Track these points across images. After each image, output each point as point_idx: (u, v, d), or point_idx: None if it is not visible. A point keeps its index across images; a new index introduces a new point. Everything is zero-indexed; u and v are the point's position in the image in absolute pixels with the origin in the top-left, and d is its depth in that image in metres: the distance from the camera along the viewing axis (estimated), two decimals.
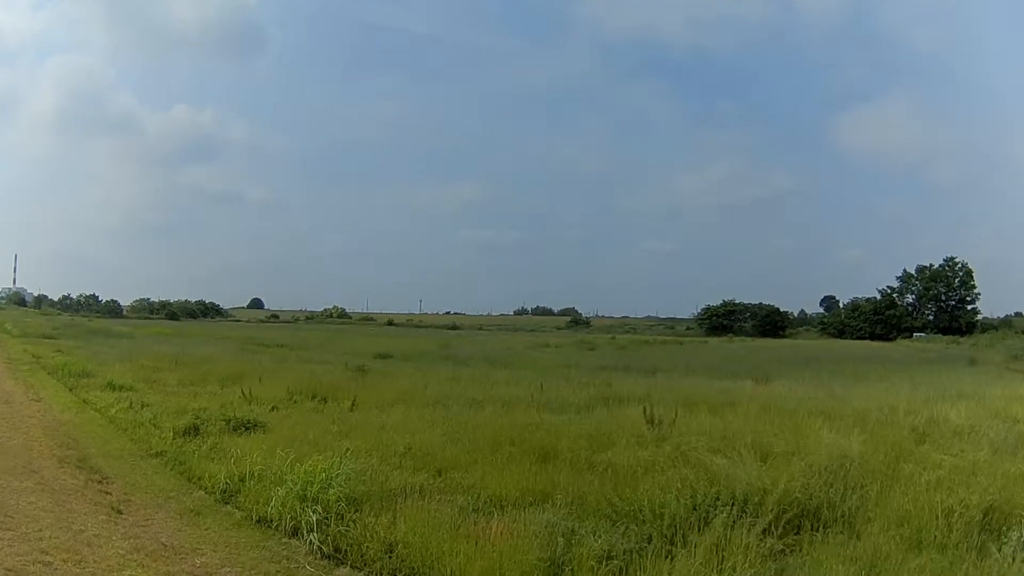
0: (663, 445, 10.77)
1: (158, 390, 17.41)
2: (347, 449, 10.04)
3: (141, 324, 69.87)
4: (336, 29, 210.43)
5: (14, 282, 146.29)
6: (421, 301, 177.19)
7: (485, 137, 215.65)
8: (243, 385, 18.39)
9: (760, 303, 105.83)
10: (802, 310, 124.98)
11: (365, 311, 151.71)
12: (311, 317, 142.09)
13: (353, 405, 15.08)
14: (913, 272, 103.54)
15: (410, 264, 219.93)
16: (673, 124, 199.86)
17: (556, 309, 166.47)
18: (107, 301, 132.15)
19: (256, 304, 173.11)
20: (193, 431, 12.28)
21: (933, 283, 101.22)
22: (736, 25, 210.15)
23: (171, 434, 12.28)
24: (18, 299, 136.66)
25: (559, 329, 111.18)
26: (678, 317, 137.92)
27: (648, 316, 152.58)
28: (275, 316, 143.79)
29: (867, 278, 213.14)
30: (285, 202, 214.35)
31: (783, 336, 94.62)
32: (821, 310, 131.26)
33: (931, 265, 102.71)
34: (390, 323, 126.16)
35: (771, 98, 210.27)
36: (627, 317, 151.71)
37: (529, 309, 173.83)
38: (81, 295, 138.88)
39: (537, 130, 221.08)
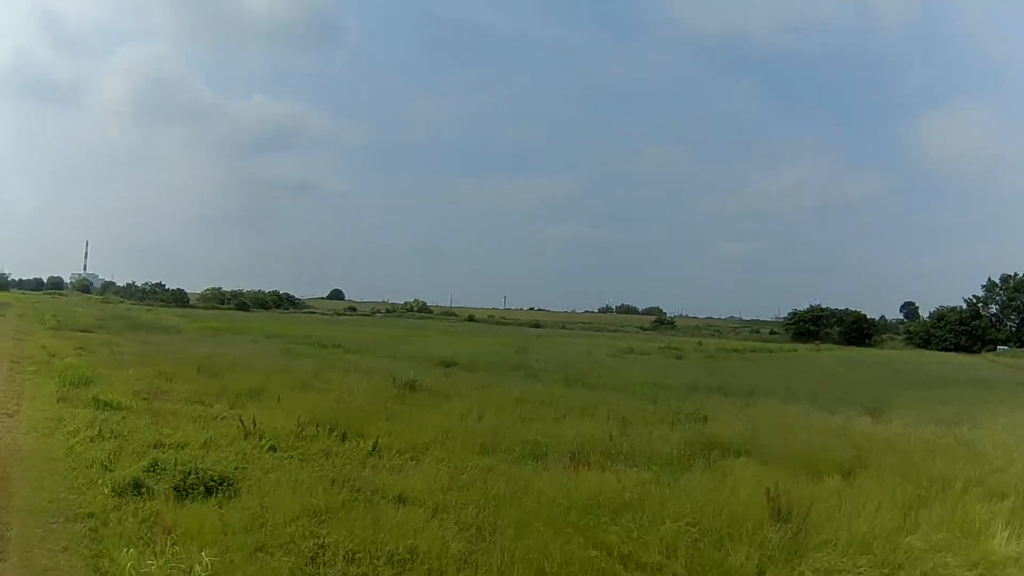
0: (799, 567, 7.25)
1: (150, 410, 14.71)
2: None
3: (198, 316, 68.66)
4: (414, 22, 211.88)
5: (84, 268, 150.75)
6: (505, 297, 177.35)
7: (569, 133, 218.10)
8: (259, 403, 15.80)
9: (846, 309, 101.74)
10: (882, 316, 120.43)
11: (448, 305, 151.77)
12: (391, 310, 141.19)
13: (375, 448, 11.94)
14: (998, 281, 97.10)
15: (494, 259, 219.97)
16: (754, 125, 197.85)
17: (641, 308, 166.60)
18: (173, 290, 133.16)
19: (336, 295, 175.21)
20: (134, 489, 9.30)
21: (1017, 293, 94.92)
22: (817, 27, 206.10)
23: (109, 488, 9.38)
24: (83, 286, 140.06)
25: (643, 329, 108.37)
26: (762, 320, 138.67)
27: (731, 317, 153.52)
28: (352, 308, 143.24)
29: (941, 285, 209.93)
30: (365, 193, 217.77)
31: (869, 344, 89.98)
32: (900, 316, 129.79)
33: (1015, 275, 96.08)
34: (471, 319, 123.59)
35: (848, 101, 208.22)
36: (711, 318, 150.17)
37: (614, 307, 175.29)
38: (147, 283, 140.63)
39: (620, 126, 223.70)
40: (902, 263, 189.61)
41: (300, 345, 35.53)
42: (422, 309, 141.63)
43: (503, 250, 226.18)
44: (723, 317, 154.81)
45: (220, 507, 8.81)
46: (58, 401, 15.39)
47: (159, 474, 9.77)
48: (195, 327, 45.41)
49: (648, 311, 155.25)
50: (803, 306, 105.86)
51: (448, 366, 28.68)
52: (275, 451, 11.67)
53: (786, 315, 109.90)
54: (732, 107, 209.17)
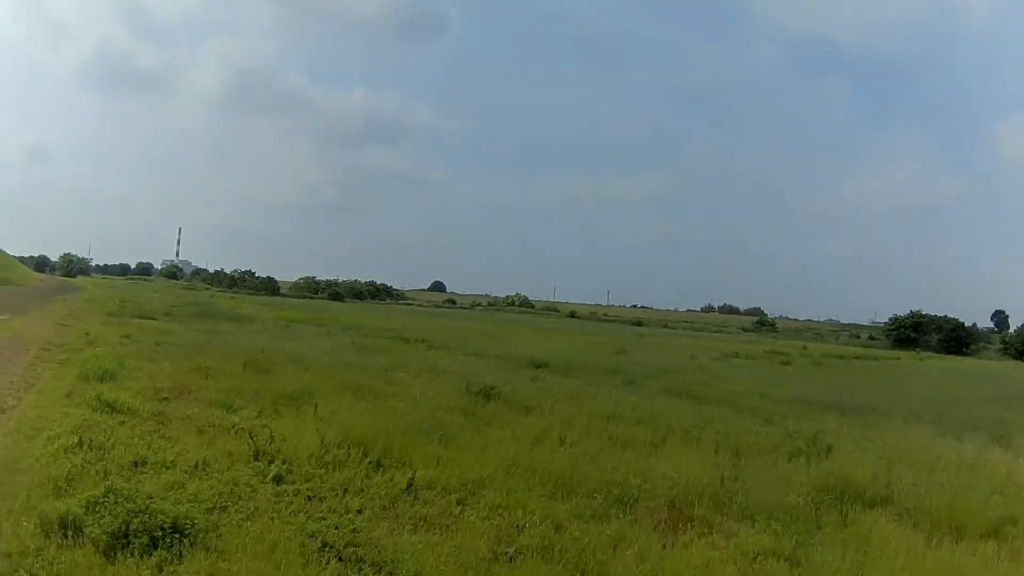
0: None
1: (159, 415, 12.31)
2: None
3: (281, 305, 67.82)
4: (516, 15, 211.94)
5: (177, 254, 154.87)
6: (608, 292, 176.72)
7: (666, 130, 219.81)
8: (295, 411, 13.32)
9: (945, 316, 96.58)
10: (974, 323, 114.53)
11: (551, 300, 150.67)
12: (492, 304, 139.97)
13: (410, 486, 9.07)
14: None
15: (598, 253, 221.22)
16: (846, 125, 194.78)
17: (743, 308, 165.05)
18: (263, 278, 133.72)
19: (437, 287, 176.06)
20: (64, 529, 6.88)
21: None
22: (908, 27, 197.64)
23: (37, 523, 7.04)
24: (170, 272, 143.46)
25: (744, 330, 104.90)
26: (859, 323, 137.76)
27: (829, 319, 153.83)
28: (452, 301, 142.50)
29: None
30: (468, 185, 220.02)
31: (967, 353, 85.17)
32: (991, 324, 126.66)
33: None
34: (572, 315, 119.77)
35: (940, 102, 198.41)
36: (811, 320, 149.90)
37: (715, 306, 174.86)
38: (235, 270, 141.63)
39: (715, 124, 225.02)
40: (990, 269, 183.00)
41: (379, 339, 33.11)
42: (523, 303, 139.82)
43: (606, 245, 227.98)
44: (821, 319, 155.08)
45: (158, 570, 6.24)
46: (65, 397, 13.23)
47: (102, 511, 7.24)
48: (271, 316, 43.95)
49: (749, 312, 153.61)
50: (895, 310, 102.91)
51: (538, 368, 25.68)
52: (280, 482, 8.99)
53: (887, 320, 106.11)
54: (822, 108, 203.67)
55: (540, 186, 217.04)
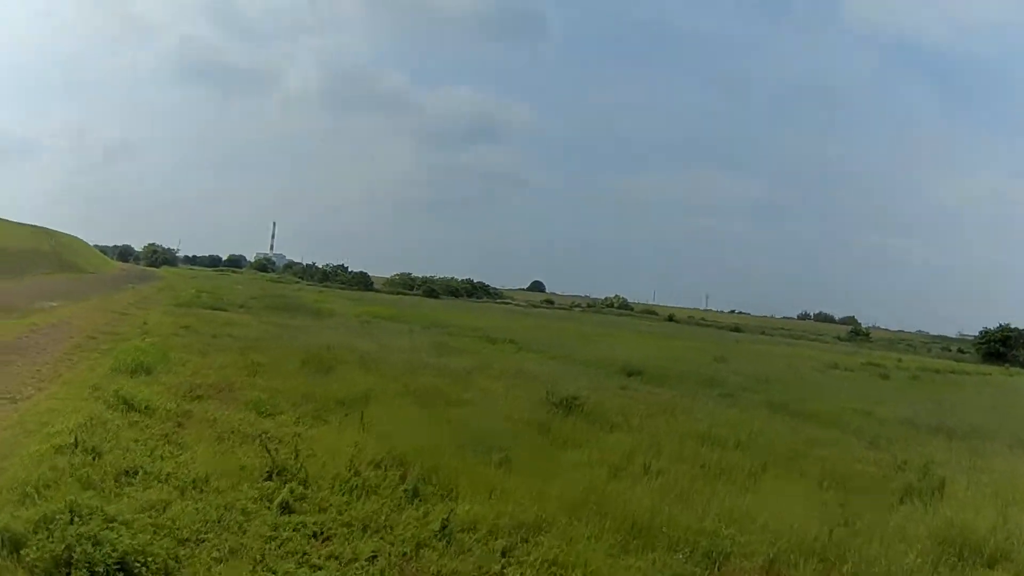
0: None
1: (182, 416, 10.93)
2: None
3: (368, 300, 67.06)
4: (610, 17, 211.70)
5: (271, 248, 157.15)
6: (707, 296, 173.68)
7: (761, 132, 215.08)
8: (343, 418, 11.77)
9: None
10: None
11: (650, 303, 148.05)
12: (591, 305, 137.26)
13: (445, 525, 7.19)
14: None
15: (695, 258, 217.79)
16: (937, 130, 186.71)
17: (837, 316, 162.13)
18: (355, 273, 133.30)
19: (536, 287, 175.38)
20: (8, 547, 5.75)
21: None
22: (998, 30, 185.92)
23: None
24: (260, 265, 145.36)
25: (839, 340, 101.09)
26: (947, 335, 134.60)
27: (919, 331, 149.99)
28: (549, 301, 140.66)
29: None
30: (568, 185, 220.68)
31: None
32: None
33: None
34: (671, 318, 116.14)
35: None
36: (901, 331, 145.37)
37: (811, 314, 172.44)
38: (327, 264, 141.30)
39: (806, 126, 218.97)
40: None
41: (464, 338, 31.50)
42: (622, 306, 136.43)
43: (703, 249, 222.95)
44: (910, 330, 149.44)
45: None
46: (91, 389, 11.99)
47: (50, 532, 5.81)
48: (355, 312, 42.69)
49: (844, 320, 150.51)
50: (982, 321, 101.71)
51: (630, 375, 23.67)
52: (286, 511, 7.26)
53: (978, 332, 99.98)
54: (914, 111, 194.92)
55: (637, 187, 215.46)
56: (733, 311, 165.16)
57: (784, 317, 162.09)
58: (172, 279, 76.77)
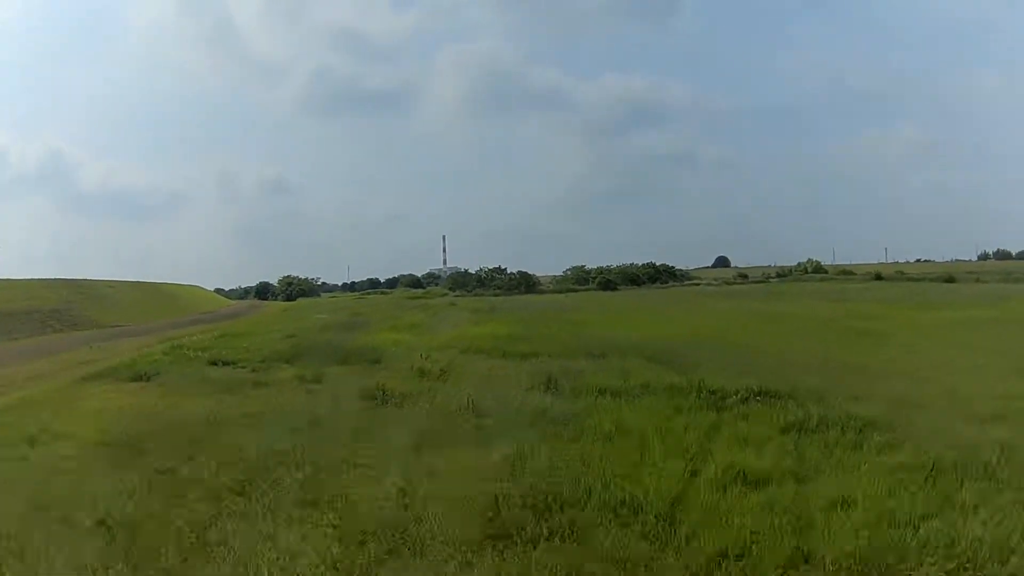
0: None
1: None
2: None
3: (502, 307, 52.85)
4: None
5: (444, 262, 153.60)
6: (887, 249, 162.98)
7: (913, 74, 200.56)
8: None
9: None
10: None
11: (832, 263, 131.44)
12: (782, 273, 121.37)
13: None
14: None
15: (868, 211, 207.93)
16: None
17: (1014, 252, 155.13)
18: (514, 274, 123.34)
19: (721, 263, 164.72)
20: None
21: None
22: None
23: None
24: (411, 282, 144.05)
25: None
26: None
27: None
28: (743, 275, 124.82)
29: None
30: (739, 158, 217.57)
31: None
32: None
33: None
34: (879, 276, 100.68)
35: None
36: None
37: (990, 253, 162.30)
38: (481, 268, 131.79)
39: (957, 63, 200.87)
40: None
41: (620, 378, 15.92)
42: (816, 269, 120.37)
43: (874, 201, 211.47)
44: None
45: None
46: None
47: None
48: (436, 343, 24.74)
49: (1021, 255, 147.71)
50: None
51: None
52: None
53: None
54: None
55: (802, 148, 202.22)
56: (918, 260, 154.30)
57: (955, 260, 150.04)
58: (254, 316, 57.72)
